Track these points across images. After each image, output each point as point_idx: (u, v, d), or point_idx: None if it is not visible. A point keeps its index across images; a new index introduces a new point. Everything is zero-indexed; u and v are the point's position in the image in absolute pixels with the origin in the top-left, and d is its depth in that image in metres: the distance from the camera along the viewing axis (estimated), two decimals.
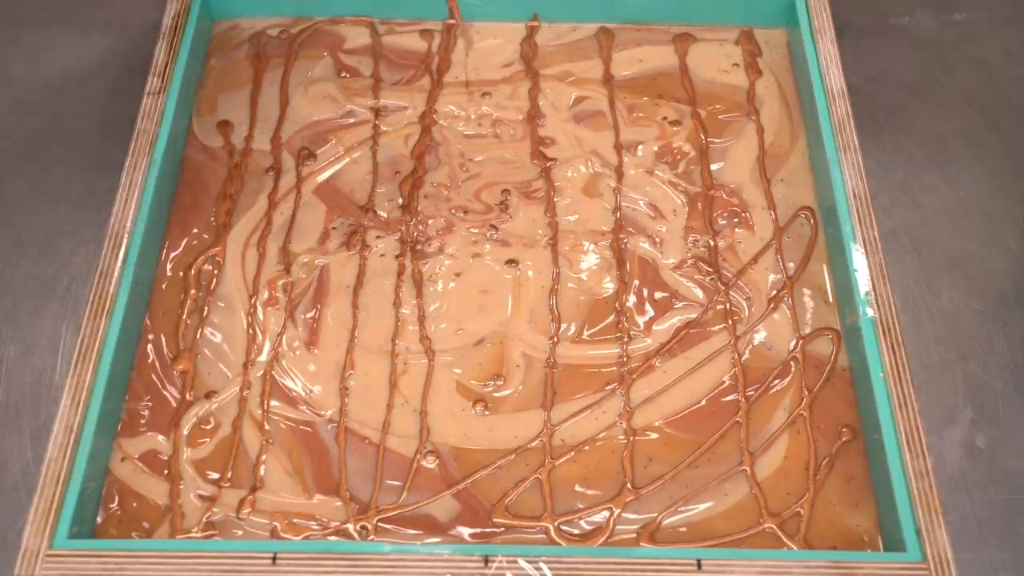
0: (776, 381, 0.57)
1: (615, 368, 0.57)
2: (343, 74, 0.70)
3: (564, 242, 0.62)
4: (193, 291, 0.60)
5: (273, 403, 0.56)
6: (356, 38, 0.72)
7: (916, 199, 0.68)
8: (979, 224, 0.67)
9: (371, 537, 0.52)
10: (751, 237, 0.63)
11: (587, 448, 0.55)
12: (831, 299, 0.60)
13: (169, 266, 0.61)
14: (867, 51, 0.76)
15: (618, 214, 0.63)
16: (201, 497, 0.53)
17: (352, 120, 0.68)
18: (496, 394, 0.57)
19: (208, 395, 0.56)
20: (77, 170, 0.68)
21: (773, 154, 0.66)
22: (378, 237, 0.62)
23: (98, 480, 0.53)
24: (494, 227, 0.63)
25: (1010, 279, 0.64)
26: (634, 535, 0.52)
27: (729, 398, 0.57)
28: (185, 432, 0.55)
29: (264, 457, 0.54)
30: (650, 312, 0.60)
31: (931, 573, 0.48)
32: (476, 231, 0.63)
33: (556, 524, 0.52)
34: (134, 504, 0.53)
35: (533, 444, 0.55)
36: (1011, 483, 0.56)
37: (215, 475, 0.54)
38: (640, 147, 0.67)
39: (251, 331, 0.58)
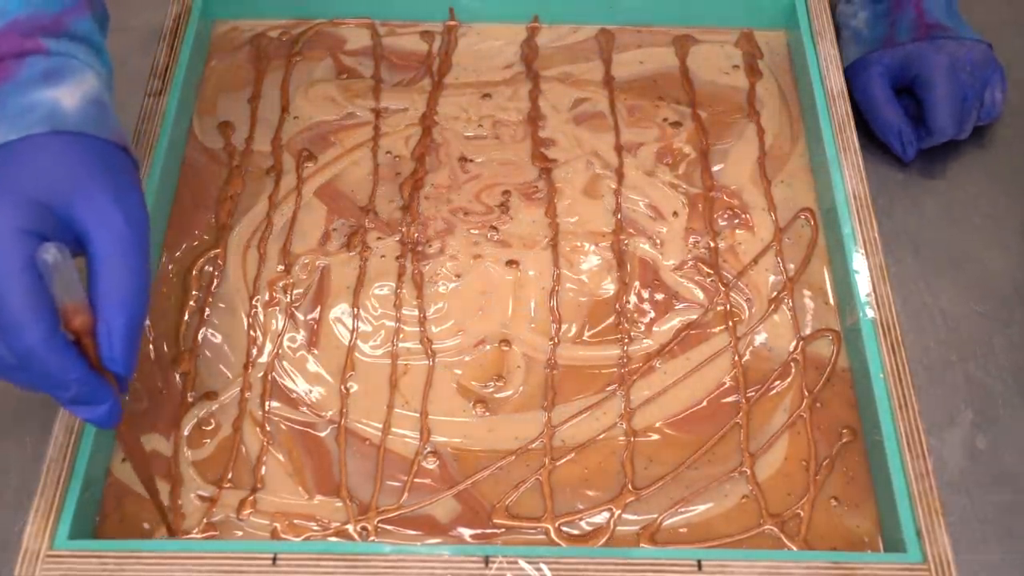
0: (776, 382, 0.57)
1: (615, 369, 0.57)
2: (343, 75, 0.70)
3: (564, 243, 0.62)
4: (194, 292, 0.60)
5: (273, 404, 0.56)
6: (357, 39, 0.72)
7: (916, 200, 0.68)
8: (979, 224, 0.67)
9: (371, 538, 0.52)
10: (751, 238, 0.63)
11: (587, 449, 0.55)
12: (831, 300, 0.60)
13: (170, 267, 0.61)
14: None
15: (618, 215, 0.63)
16: (201, 498, 0.53)
17: (353, 121, 0.68)
18: (497, 395, 0.57)
19: (208, 396, 0.56)
20: None
21: (773, 155, 0.66)
22: (379, 238, 0.62)
23: (98, 481, 0.53)
24: (494, 228, 0.63)
25: (1010, 280, 0.64)
26: (634, 536, 0.52)
27: (729, 399, 0.57)
28: (185, 433, 0.55)
29: (264, 458, 0.54)
30: (650, 313, 0.60)
31: (931, 574, 0.48)
32: (476, 232, 0.63)
33: (556, 525, 0.52)
34: (134, 505, 0.53)
35: (533, 445, 0.55)
36: (1011, 484, 0.56)
37: (216, 476, 0.54)
38: (640, 149, 0.67)
39: (252, 332, 0.58)
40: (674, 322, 0.59)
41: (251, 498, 0.53)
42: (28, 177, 0.44)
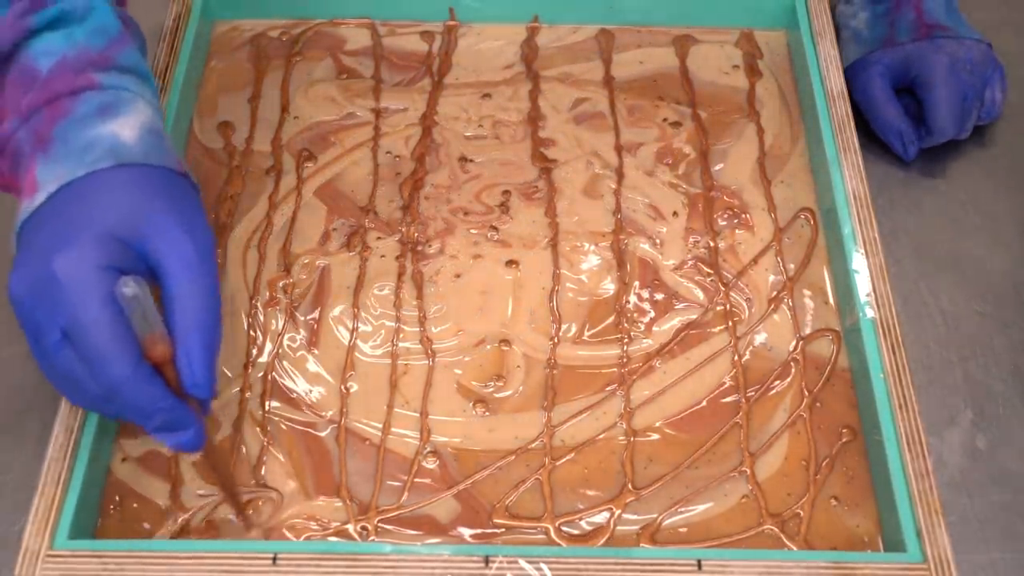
0: (776, 382, 0.57)
1: (615, 369, 0.57)
2: (343, 75, 0.70)
3: (564, 243, 0.62)
4: None
5: (274, 404, 0.56)
6: (357, 39, 0.72)
7: (916, 200, 0.68)
8: (979, 224, 0.67)
9: (371, 538, 0.52)
10: (751, 238, 0.63)
11: (587, 449, 0.55)
12: (831, 300, 0.60)
13: None
14: None
15: (618, 215, 0.63)
16: (201, 497, 0.53)
17: (353, 121, 0.68)
18: (496, 395, 0.57)
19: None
20: None
21: (773, 155, 0.66)
22: (378, 238, 0.62)
23: (98, 481, 0.53)
24: (494, 228, 0.63)
25: (1010, 280, 0.64)
26: (634, 536, 0.52)
27: (729, 399, 0.57)
28: None
29: (264, 458, 0.54)
30: (650, 313, 0.60)
31: (931, 574, 0.48)
32: (476, 232, 0.63)
33: (556, 524, 0.52)
34: (134, 505, 0.53)
35: (533, 445, 0.55)
36: (1011, 484, 0.56)
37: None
38: (640, 149, 0.67)
39: (252, 332, 0.58)
40: (674, 322, 0.59)
41: (251, 498, 0.53)
42: (101, 213, 0.45)
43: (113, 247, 0.44)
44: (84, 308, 0.42)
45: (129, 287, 0.42)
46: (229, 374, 0.57)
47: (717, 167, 0.66)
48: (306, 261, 0.61)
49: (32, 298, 0.43)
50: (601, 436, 0.55)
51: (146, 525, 0.52)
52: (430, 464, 0.54)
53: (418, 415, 0.56)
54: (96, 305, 0.42)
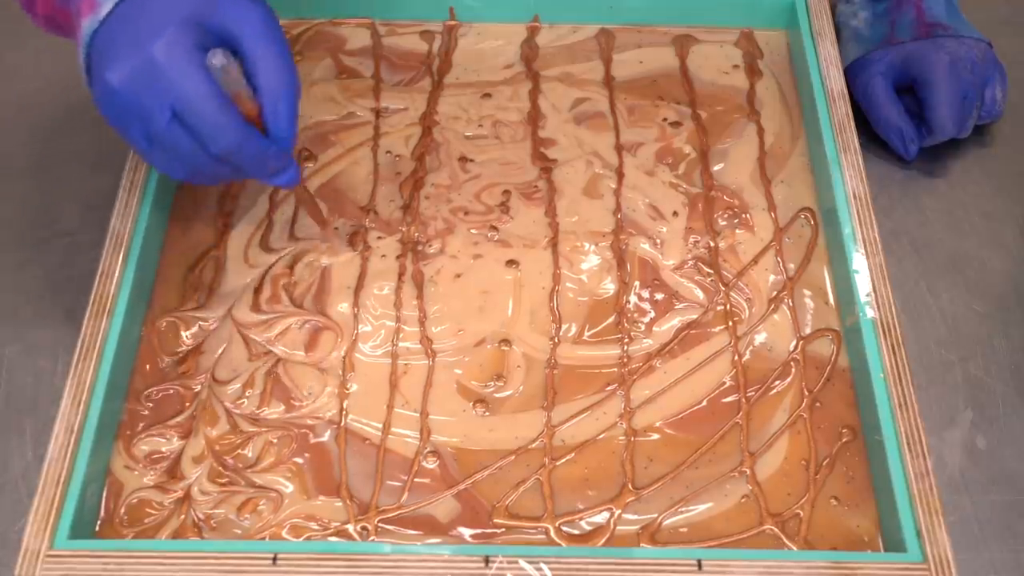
0: (776, 382, 0.57)
1: (615, 369, 0.57)
2: (343, 75, 0.70)
3: (564, 243, 0.62)
4: (194, 291, 0.60)
5: (274, 403, 0.56)
6: (357, 39, 0.72)
7: (916, 199, 0.68)
8: (979, 224, 0.67)
9: (372, 538, 0.52)
10: (751, 238, 0.63)
11: (587, 449, 0.55)
12: (831, 300, 0.60)
13: (170, 267, 0.61)
14: None
15: (618, 215, 0.63)
16: (202, 494, 0.53)
17: (353, 121, 0.68)
18: (497, 395, 0.57)
19: (210, 395, 0.56)
20: (79, 170, 0.68)
21: (773, 155, 0.66)
22: (379, 238, 0.62)
23: (99, 480, 0.53)
24: (495, 228, 0.63)
25: (1010, 280, 0.64)
26: (634, 536, 0.52)
27: (729, 399, 0.57)
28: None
29: (265, 457, 0.54)
30: (650, 313, 0.60)
31: (931, 573, 0.48)
32: (477, 232, 0.63)
33: (556, 524, 0.52)
34: (134, 505, 0.53)
35: (534, 445, 0.55)
36: (1011, 484, 0.56)
37: (216, 475, 0.54)
38: (640, 148, 0.67)
39: (253, 332, 0.58)
40: (674, 322, 0.59)
41: (251, 498, 0.53)
42: (176, 3, 0.49)
43: (196, 30, 0.48)
44: (192, 84, 0.47)
45: (217, 58, 0.48)
46: (231, 373, 0.57)
47: (717, 167, 0.66)
48: (307, 261, 0.61)
49: (135, 85, 0.47)
50: (601, 436, 0.55)
51: (146, 525, 0.52)
52: (430, 464, 0.54)
53: (418, 415, 0.56)
54: (201, 79, 0.47)
